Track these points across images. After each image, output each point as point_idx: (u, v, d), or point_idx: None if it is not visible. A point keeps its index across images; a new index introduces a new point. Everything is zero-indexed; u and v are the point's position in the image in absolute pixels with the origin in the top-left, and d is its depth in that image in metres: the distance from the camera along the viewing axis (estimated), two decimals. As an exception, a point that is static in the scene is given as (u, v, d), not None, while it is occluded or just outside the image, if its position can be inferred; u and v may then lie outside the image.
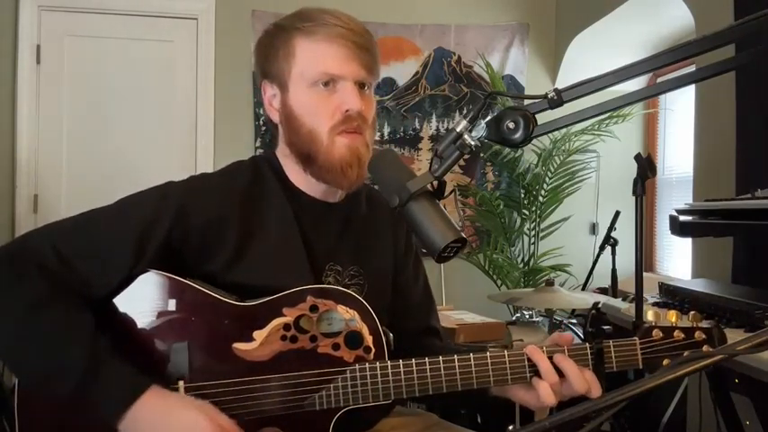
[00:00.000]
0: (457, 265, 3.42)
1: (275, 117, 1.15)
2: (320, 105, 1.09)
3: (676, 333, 1.03)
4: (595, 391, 1.00)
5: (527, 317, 2.89)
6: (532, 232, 3.69)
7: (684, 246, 3.04)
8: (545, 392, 0.99)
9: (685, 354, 1.02)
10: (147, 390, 0.93)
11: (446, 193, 0.96)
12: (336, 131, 1.09)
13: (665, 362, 1.02)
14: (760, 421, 1.70)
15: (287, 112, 1.12)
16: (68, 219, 1.05)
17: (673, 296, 1.81)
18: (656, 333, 1.03)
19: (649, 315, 1.05)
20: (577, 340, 1.07)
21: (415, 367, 1.01)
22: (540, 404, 1.02)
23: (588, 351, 1.03)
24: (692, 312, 1.05)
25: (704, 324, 1.05)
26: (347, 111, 1.08)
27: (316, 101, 1.09)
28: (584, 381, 0.99)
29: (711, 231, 1.85)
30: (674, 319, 1.04)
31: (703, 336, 1.03)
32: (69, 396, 0.93)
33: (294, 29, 1.10)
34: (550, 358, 1.01)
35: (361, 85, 1.10)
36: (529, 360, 1.02)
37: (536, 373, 1.01)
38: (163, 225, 1.03)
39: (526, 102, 0.91)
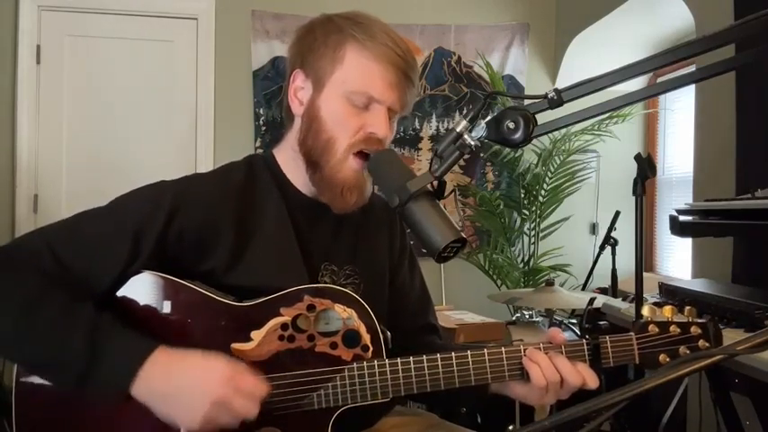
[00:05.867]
0: (457, 265, 3.42)
1: (297, 109, 1.14)
2: (349, 119, 1.08)
3: (672, 328, 1.03)
4: (591, 381, 1.00)
5: (527, 317, 2.89)
6: (532, 232, 3.69)
7: (684, 246, 3.04)
8: (537, 376, 1.00)
9: (681, 348, 1.03)
10: (155, 349, 0.94)
11: (446, 193, 0.96)
12: (353, 150, 1.09)
13: (662, 357, 1.03)
14: (760, 421, 1.69)
15: (312, 112, 1.11)
16: (63, 220, 1.05)
17: (673, 296, 1.80)
18: (652, 328, 1.04)
19: (645, 311, 1.06)
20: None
21: (413, 365, 1.01)
22: (536, 395, 1.02)
23: (585, 347, 1.03)
24: (688, 307, 1.06)
25: (700, 319, 1.06)
26: (372, 133, 1.08)
27: (346, 113, 1.08)
28: (577, 373, 1.00)
29: (711, 231, 1.84)
30: (669, 315, 1.04)
31: (699, 330, 1.03)
32: (79, 378, 0.92)
33: (350, 35, 1.08)
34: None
35: (390, 112, 1.11)
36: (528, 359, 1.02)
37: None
38: (157, 224, 1.03)
39: (526, 102, 0.91)
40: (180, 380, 0.93)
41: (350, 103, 1.08)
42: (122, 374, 0.92)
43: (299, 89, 1.13)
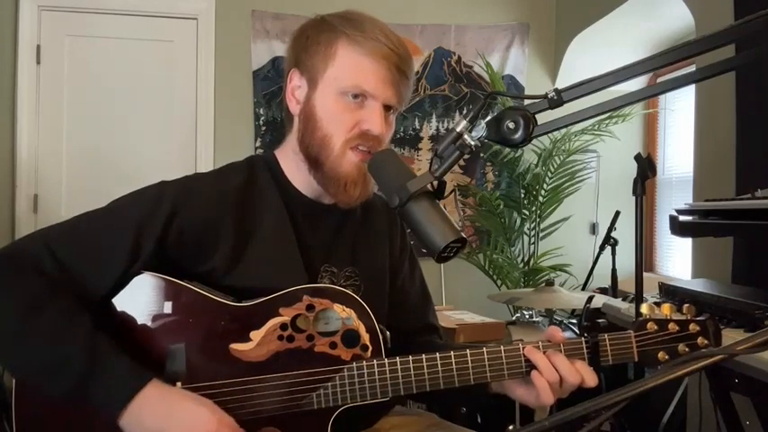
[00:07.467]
0: (457, 265, 3.42)
1: (294, 108, 1.14)
2: (343, 115, 1.08)
3: (671, 325, 1.03)
4: (589, 380, 1.00)
5: (527, 317, 2.89)
6: (532, 232, 3.69)
7: (684, 246, 3.04)
8: (544, 392, 0.99)
9: (680, 346, 1.02)
10: (147, 383, 0.94)
11: (446, 193, 0.95)
12: (350, 145, 1.08)
13: (661, 354, 1.02)
14: (760, 421, 1.69)
15: (308, 110, 1.11)
16: (63, 222, 1.05)
17: (673, 296, 1.80)
18: (651, 326, 1.03)
19: (644, 309, 1.06)
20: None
21: (412, 365, 1.01)
22: (539, 402, 1.02)
23: (584, 345, 1.03)
24: (686, 305, 1.06)
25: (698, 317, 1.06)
26: (367, 130, 1.07)
27: (340, 109, 1.08)
28: (576, 372, 0.99)
29: (711, 231, 1.84)
30: (668, 312, 1.04)
31: (698, 328, 1.03)
32: (69, 393, 0.93)
33: (342, 32, 1.08)
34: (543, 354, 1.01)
35: (386, 108, 1.10)
36: (526, 359, 1.02)
37: (533, 369, 1.01)
38: (157, 225, 1.03)
39: (526, 102, 0.91)
40: (166, 420, 0.93)
41: (344, 100, 1.08)
42: (112, 405, 0.93)
43: (295, 88, 1.14)
